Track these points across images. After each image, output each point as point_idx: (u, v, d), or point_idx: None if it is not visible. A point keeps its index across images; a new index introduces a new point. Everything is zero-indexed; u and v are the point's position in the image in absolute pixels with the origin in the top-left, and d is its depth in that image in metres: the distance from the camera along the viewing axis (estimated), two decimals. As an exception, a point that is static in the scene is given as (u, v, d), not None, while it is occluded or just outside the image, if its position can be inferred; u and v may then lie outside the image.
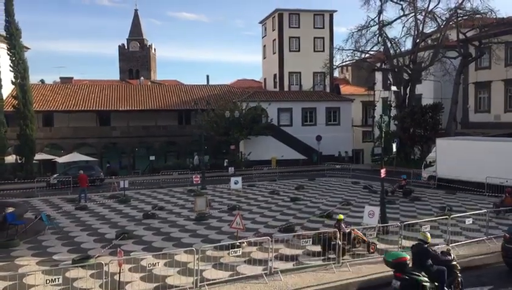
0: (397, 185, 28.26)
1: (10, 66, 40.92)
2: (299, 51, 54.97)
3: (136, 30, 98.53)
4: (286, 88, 54.94)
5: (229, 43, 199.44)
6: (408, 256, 10.90)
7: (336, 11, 56.64)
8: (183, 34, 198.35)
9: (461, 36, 41.78)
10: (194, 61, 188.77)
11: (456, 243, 15.97)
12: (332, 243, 14.26)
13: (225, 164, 43.89)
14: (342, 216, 15.87)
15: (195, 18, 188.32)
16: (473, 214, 18.04)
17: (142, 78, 75.80)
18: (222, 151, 47.85)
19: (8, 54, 40.87)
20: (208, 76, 69.27)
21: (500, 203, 21.88)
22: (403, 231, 15.47)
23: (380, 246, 16.00)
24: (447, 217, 16.66)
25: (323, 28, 55.66)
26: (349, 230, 15.24)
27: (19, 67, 41.10)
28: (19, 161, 41.00)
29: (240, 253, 13.59)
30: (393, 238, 16.37)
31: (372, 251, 15.27)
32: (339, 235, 14.15)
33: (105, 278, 11.46)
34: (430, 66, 43.32)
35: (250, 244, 15.85)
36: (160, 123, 51.19)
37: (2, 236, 17.77)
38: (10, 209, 20.01)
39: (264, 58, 61.09)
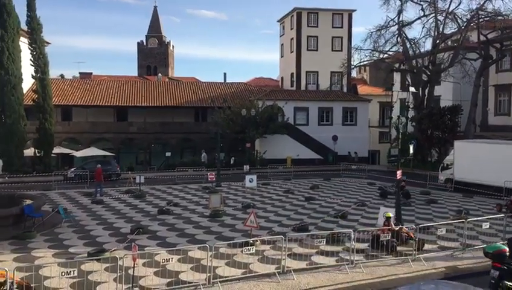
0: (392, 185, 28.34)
1: (31, 60, 41.52)
2: (316, 50, 54.73)
3: (155, 27, 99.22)
4: (303, 87, 54.77)
5: (247, 42, 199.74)
6: (507, 248, 11.58)
7: (355, 10, 56.29)
8: (201, 32, 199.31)
9: (482, 38, 41.16)
10: (212, 58, 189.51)
11: (472, 248, 15.78)
12: (380, 240, 14.68)
13: (231, 162, 43.98)
14: (390, 214, 16.39)
15: (214, 16, 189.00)
16: (490, 218, 17.79)
17: (159, 74, 76.29)
18: (238, 149, 47.93)
19: (29, 49, 41.47)
20: (225, 74, 69.06)
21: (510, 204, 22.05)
22: (418, 233, 15.33)
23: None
24: (464, 220, 16.46)
25: (342, 27, 55.31)
26: (398, 227, 15.66)
27: (40, 61, 41.69)
28: (38, 154, 41.59)
29: (253, 251, 13.61)
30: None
31: (421, 248, 15.32)
32: (388, 233, 14.79)
33: (119, 272, 11.58)
34: (450, 68, 42.82)
35: (263, 242, 15.86)
36: (176, 120, 51.46)
37: (19, 228, 18.10)
38: (28, 202, 20.35)
39: (282, 56, 60.98)
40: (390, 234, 15.18)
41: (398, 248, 15.40)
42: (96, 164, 37.82)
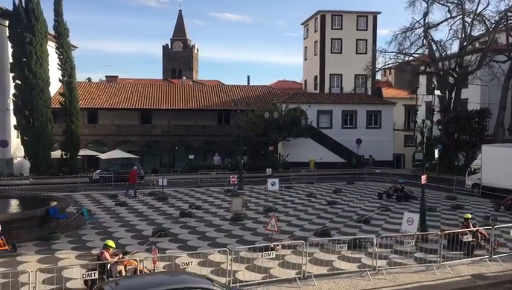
0: (393, 188, 28.60)
1: (58, 64, 42.40)
2: (340, 52, 54.29)
3: (179, 30, 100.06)
4: (327, 90, 54.39)
5: (271, 44, 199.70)
6: None
7: (380, 12, 55.57)
8: (225, 35, 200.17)
9: (511, 40, 40.18)
10: (236, 61, 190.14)
11: (500, 255, 15.32)
12: (460, 240, 15.19)
13: (243, 161, 42.51)
14: (469, 215, 17.12)
15: (238, 19, 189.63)
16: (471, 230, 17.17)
17: (184, 77, 76.87)
18: (261, 152, 47.86)
19: (56, 53, 42.37)
20: (248, 76, 69.36)
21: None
22: (443, 239, 14.98)
23: (419, 255, 15.55)
24: (491, 227, 16.00)
25: (366, 29, 54.73)
26: (476, 228, 16.13)
27: (67, 65, 42.53)
28: (64, 156, 42.38)
29: (274, 255, 13.48)
30: (432, 247, 15.86)
31: (495, 248, 15.53)
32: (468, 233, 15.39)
33: (139, 275, 11.61)
34: (477, 70, 41.91)
35: (284, 247, 15.73)
36: (200, 123, 51.72)
37: (44, 229, 18.41)
38: (53, 203, 20.69)
39: (305, 59, 60.72)
40: (471, 235, 15.56)
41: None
42: (120, 166, 38.66)
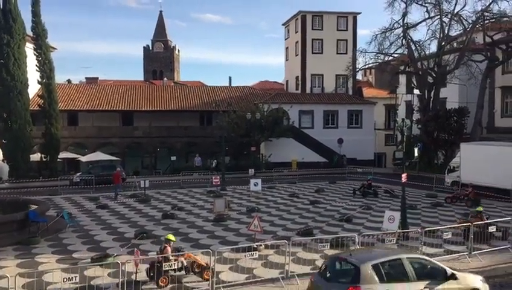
0: (364, 185, 29.58)
1: (37, 66, 41.74)
2: (321, 53, 54.63)
3: (160, 31, 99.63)
4: (308, 90, 54.68)
5: (252, 45, 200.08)
6: None
7: (359, 13, 56.08)
8: (207, 36, 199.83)
9: (488, 39, 40.91)
10: (217, 62, 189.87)
11: (479, 251, 15.60)
12: (489, 232, 16.45)
13: (213, 165, 43.83)
14: (481, 208, 18.47)
15: (220, 20, 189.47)
16: (497, 221, 17.59)
17: (165, 78, 76.50)
18: (243, 153, 47.86)
19: (35, 54, 41.69)
20: (230, 77, 69.13)
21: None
22: (423, 237, 15.18)
23: (400, 252, 15.71)
24: (470, 224, 16.27)
25: (347, 30, 55.18)
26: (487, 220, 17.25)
27: (45, 67, 41.90)
28: (44, 159, 41.74)
29: (257, 256, 13.50)
30: (413, 245, 16.06)
31: (506, 238, 17.01)
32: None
33: (121, 278, 11.52)
34: (456, 70, 42.57)
35: (267, 247, 15.77)
36: (182, 124, 51.51)
37: (24, 233, 18.12)
38: (33, 207, 20.39)
39: (287, 60, 60.95)
40: (495, 227, 16.63)
41: None
42: (101, 169, 38.32)
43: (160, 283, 12.15)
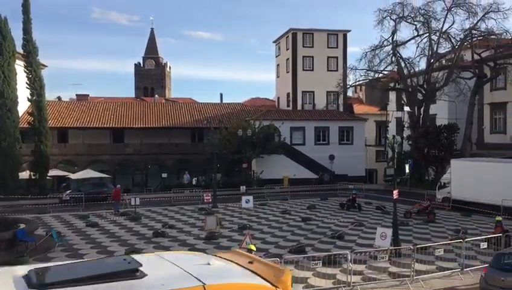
0: (349, 199, 31.28)
1: (27, 83, 41.61)
2: (312, 70, 55.00)
3: (151, 48, 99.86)
4: (299, 107, 54.89)
5: (244, 62, 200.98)
6: None
7: (349, 30, 56.67)
8: (198, 53, 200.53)
9: (476, 57, 41.50)
10: (209, 79, 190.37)
11: (471, 268, 15.57)
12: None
13: (194, 183, 44.51)
14: (500, 217, 19.27)
15: (211, 37, 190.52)
16: (488, 238, 17.61)
17: (156, 96, 76.48)
18: (235, 169, 47.73)
19: (25, 72, 41.59)
20: (221, 94, 69.47)
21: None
22: (415, 254, 15.14)
23: (392, 269, 15.66)
24: (462, 240, 16.28)
25: (337, 47, 55.71)
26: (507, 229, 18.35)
27: (35, 84, 41.77)
28: (33, 177, 41.34)
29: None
30: (406, 261, 16.00)
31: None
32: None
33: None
34: (445, 87, 43.04)
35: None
36: (173, 141, 51.34)
37: (11, 253, 17.82)
38: (21, 226, 20.09)
39: (278, 77, 61.27)
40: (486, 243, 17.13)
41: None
42: (92, 186, 38.12)
43: None
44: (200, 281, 5.45)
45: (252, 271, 6.04)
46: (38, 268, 5.84)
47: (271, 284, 5.76)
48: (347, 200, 31.42)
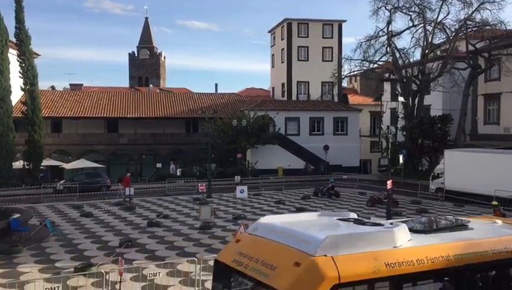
0: (326, 187, 32.44)
1: (20, 72, 41.26)
2: (307, 60, 54.91)
3: (146, 38, 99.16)
4: (294, 97, 54.86)
5: (238, 52, 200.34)
6: None
7: (345, 21, 56.58)
8: (193, 43, 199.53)
9: (470, 47, 41.51)
10: (203, 69, 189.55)
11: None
12: None
13: (178, 173, 44.48)
14: (496, 202, 19.96)
15: (206, 27, 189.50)
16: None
17: (151, 85, 76.15)
18: (229, 160, 47.77)
19: (18, 61, 41.23)
20: (216, 84, 69.35)
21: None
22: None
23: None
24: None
25: (332, 37, 55.59)
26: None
27: (28, 73, 41.42)
28: (27, 167, 41.15)
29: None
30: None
31: None
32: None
33: (105, 287, 11.38)
34: (439, 77, 43.05)
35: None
36: (167, 131, 51.27)
37: (5, 242, 17.80)
38: (15, 216, 20.05)
39: (273, 67, 61.14)
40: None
41: None
42: (85, 176, 38.06)
43: None
44: None
45: None
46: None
47: None
48: (326, 189, 32.63)
